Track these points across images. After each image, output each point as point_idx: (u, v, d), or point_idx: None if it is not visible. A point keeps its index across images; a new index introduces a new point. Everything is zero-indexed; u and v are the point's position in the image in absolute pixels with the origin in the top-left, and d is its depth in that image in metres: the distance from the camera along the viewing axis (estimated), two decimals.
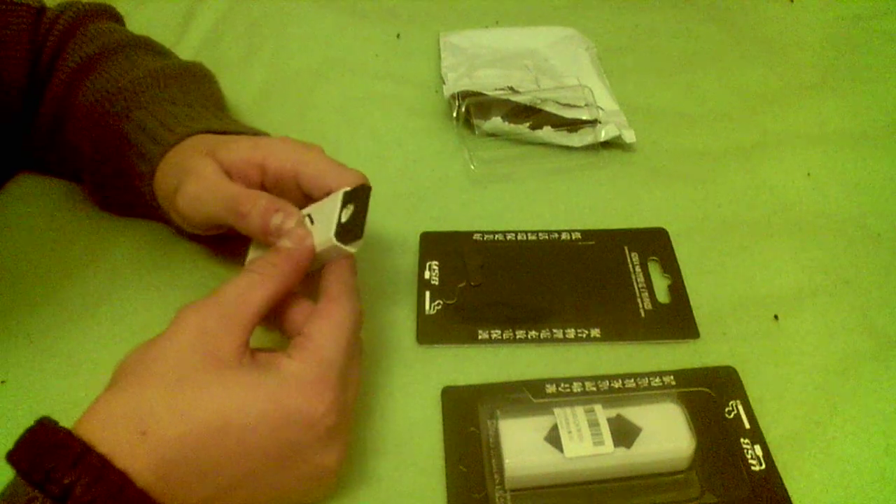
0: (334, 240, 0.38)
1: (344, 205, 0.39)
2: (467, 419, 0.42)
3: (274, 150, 0.42)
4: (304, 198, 0.42)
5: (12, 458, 0.30)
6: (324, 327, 0.36)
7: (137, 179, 0.46)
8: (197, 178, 0.41)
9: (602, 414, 0.39)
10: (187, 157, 0.43)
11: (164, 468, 0.31)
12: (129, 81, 0.49)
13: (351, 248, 0.39)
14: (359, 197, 0.39)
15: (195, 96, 0.51)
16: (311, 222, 0.40)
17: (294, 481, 0.35)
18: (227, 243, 0.50)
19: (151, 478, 0.30)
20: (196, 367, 0.33)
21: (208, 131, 0.46)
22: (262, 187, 0.42)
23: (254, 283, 0.36)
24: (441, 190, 0.57)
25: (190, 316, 0.34)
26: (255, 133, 0.49)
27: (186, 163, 0.42)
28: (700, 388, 0.43)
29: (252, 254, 0.43)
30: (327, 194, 0.41)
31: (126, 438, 0.31)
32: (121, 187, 0.49)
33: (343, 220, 0.38)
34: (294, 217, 0.39)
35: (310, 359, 0.34)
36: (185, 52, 0.71)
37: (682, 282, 0.50)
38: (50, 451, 0.29)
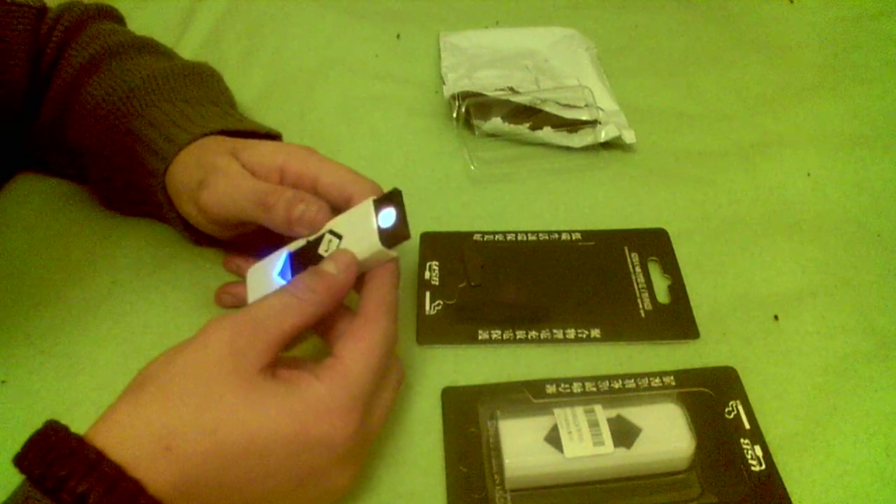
0: (380, 245, 0.37)
1: (377, 211, 0.39)
2: (467, 419, 0.42)
3: (295, 154, 0.42)
4: None
5: (21, 462, 0.29)
6: (355, 350, 0.35)
7: (147, 176, 0.46)
8: (225, 175, 0.41)
9: (602, 414, 0.39)
10: (209, 154, 0.43)
11: (184, 484, 0.31)
12: (141, 79, 0.49)
13: (394, 252, 0.38)
14: (395, 200, 0.39)
15: (207, 95, 0.51)
16: (339, 238, 0.39)
17: (306, 499, 0.35)
18: (230, 246, 0.50)
19: (171, 493, 0.30)
20: (223, 384, 0.32)
21: (223, 131, 0.46)
22: None
23: (290, 307, 0.35)
24: (441, 190, 0.57)
25: (220, 330, 0.33)
26: (270, 132, 0.49)
27: (209, 161, 0.43)
28: (700, 389, 0.43)
29: (250, 279, 0.42)
30: (347, 202, 0.41)
31: (149, 451, 0.30)
32: (127, 184, 0.49)
33: (383, 225, 0.38)
34: (316, 203, 0.39)
35: (338, 383, 0.34)
36: (185, 52, 0.71)
37: (682, 282, 0.50)
38: (62, 457, 0.29)
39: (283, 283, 0.39)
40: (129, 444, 0.30)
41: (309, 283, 0.36)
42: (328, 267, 0.37)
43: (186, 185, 0.43)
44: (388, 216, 0.38)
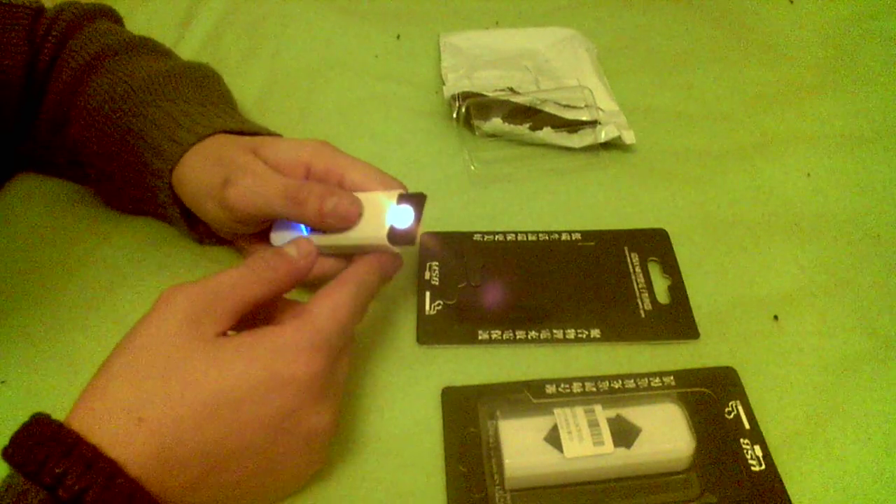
0: (386, 241, 0.39)
1: (399, 205, 0.40)
2: (467, 419, 0.42)
3: (318, 150, 0.43)
4: None
5: (6, 453, 0.30)
6: (323, 303, 0.37)
7: (151, 176, 0.47)
8: (252, 173, 0.42)
9: (602, 414, 0.39)
10: (229, 152, 0.44)
11: (163, 452, 0.31)
12: (142, 80, 0.49)
13: (396, 249, 0.40)
14: (417, 203, 0.41)
15: (208, 96, 0.51)
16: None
17: (287, 450, 0.35)
18: (230, 246, 0.50)
19: (151, 462, 0.31)
20: (184, 350, 0.33)
21: (225, 130, 0.46)
22: None
23: (248, 280, 0.36)
24: (441, 190, 0.57)
25: (176, 301, 0.34)
26: (269, 133, 0.49)
27: (230, 158, 0.43)
28: (700, 389, 0.43)
29: (274, 234, 0.44)
30: None
31: (123, 427, 0.31)
32: (129, 182, 0.49)
33: (397, 223, 0.40)
34: (348, 197, 0.40)
35: (302, 327, 0.35)
36: (185, 52, 0.71)
37: (682, 282, 0.50)
38: (42, 443, 0.30)
39: (306, 233, 0.42)
40: (104, 423, 0.31)
41: (270, 260, 0.37)
42: (290, 250, 0.38)
43: (207, 184, 0.44)
44: (405, 217, 0.40)
